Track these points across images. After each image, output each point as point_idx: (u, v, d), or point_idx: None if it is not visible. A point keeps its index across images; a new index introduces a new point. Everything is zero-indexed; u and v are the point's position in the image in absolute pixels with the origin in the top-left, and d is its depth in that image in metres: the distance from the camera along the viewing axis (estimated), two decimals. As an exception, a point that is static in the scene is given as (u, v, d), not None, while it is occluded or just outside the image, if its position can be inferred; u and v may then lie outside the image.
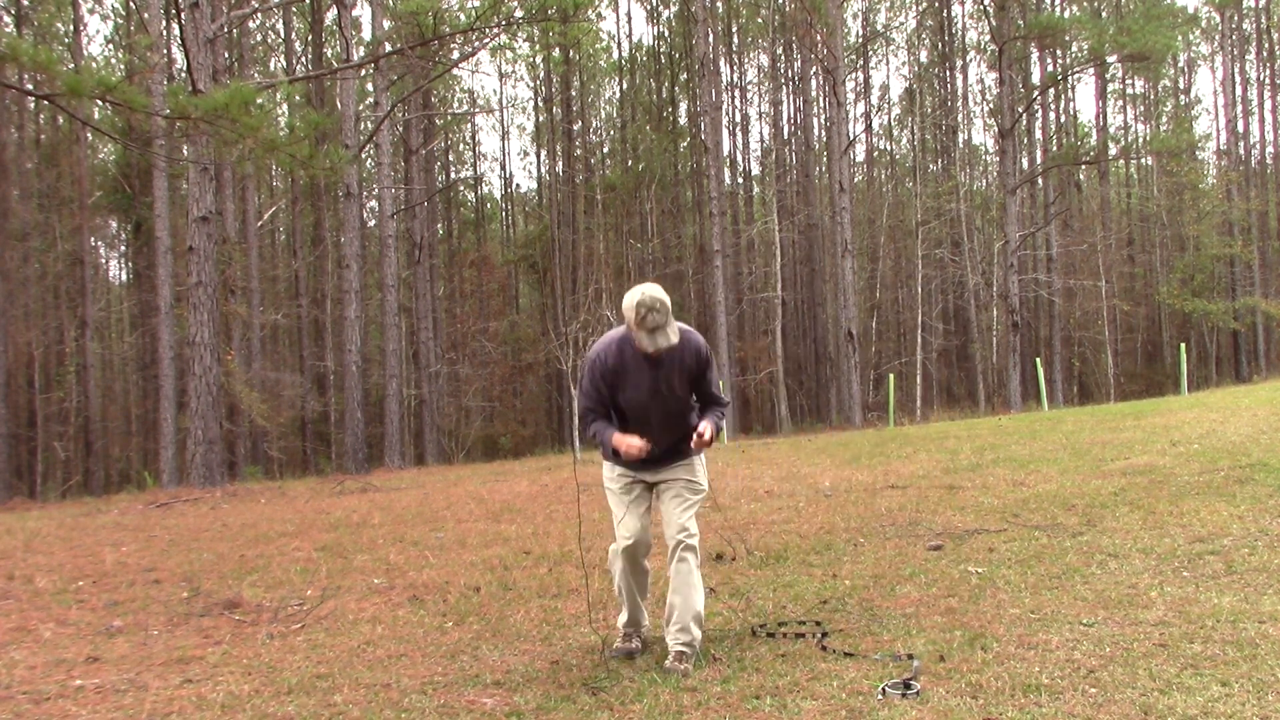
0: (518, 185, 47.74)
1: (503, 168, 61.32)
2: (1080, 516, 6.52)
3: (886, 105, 43.13)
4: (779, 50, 38.73)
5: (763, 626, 4.53)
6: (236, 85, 11.36)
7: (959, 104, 39.51)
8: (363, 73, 24.45)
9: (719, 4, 33.73)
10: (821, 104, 35.52)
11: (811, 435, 20.91)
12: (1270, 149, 42.77)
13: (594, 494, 10.25)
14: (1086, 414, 15.83)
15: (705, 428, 4.15)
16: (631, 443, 4.09)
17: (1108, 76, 38.47)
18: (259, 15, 29.54)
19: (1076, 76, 35.63)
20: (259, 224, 29.11)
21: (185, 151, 15.10)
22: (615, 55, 39.39)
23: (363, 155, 25.78)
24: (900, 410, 25.98)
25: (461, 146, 41.38)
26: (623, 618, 4.42)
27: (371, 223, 29.25)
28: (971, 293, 34.10)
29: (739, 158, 40.07)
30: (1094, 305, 34.59)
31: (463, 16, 21.82)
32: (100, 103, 12.25)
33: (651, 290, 4.00)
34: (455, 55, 23.76)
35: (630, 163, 38.09)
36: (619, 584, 4.43)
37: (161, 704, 3.94)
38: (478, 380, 32.51)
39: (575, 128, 37.79)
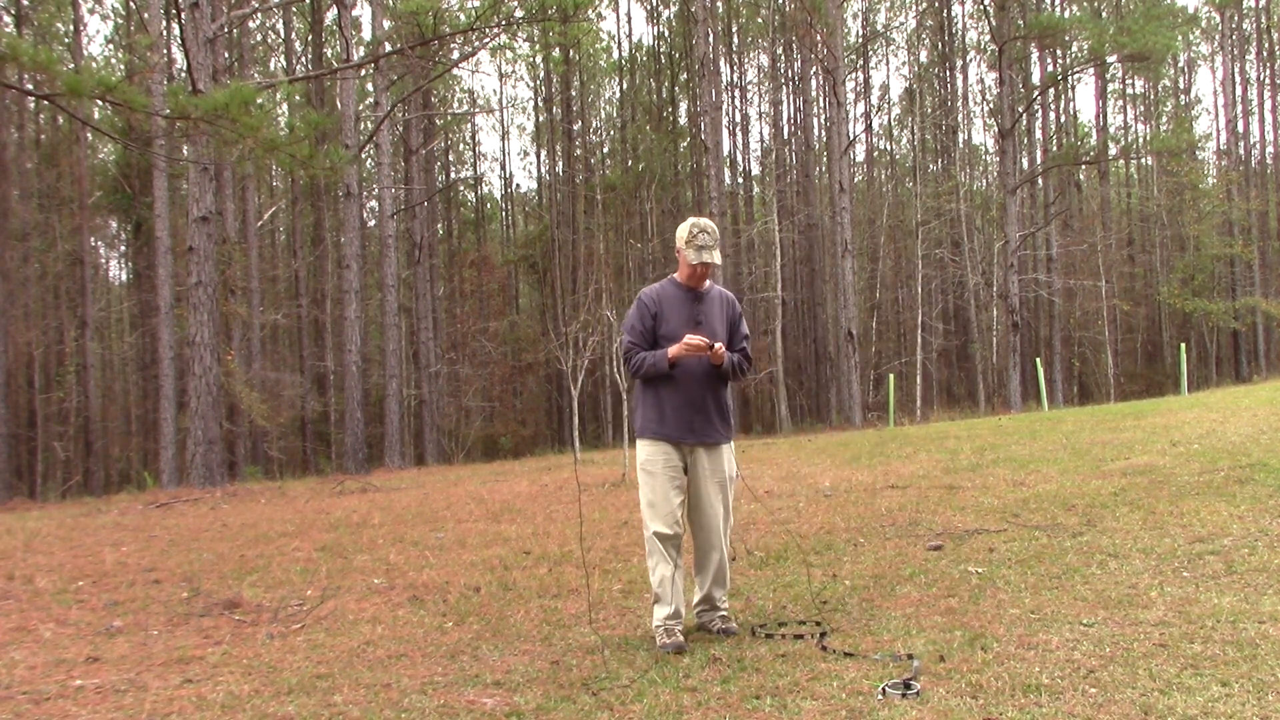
0: (518, 185, 47.80)
1: (503, 168, 61.38)
2: (1080, 516, 6.51)
3: (886, 105, 43.18)
4: (779, 50, 38.73)
5: (762, 627, 4.53)
6: (236, 85, 11.35)
7: (959, 104, 39.52)
8: (363, 73, 24.45)
9: (719, 4, 33.71)
10: (821, 104, 35.52)
11: (811, 435, 20.91)
12: (1270, 149, 42.82)
13: (594, 494, 10.27)
14: (1086, 414, 15.82)
15: (720, 348, 4.43)
16: (691, 338, 4.38)
17: (1108, 76, 38.47)
18: (259, 15, 29.54)
19: (1076, 76, 35.65)
20: (259, 224, 29.11)
21: (185, 151, 15.09)
22: (615, 55, 39.42)
23: (363, 155, 25.77)
24: (900, 410, 25.98)
25: (461, 146, 41.40)
26: (665, 611, 4.40)
27: (371, 223, 29.25)
28: (971, 293, 34.10)
29: (739, 158, 40.11)
30: (1094, 305, 34.59)
31: (463, 16, 21.81)
32: (100, 103, 12.24)
33: (704, 219, 4.58)
34: (455, 55, 23.77)
35: (630, 163, 38.09)
36: (660, 577, 4.43)
37: (161, 704, 3.94)
38: (478, 380, 32.51)
39: (575, 128, 37.78)
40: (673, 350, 4.41)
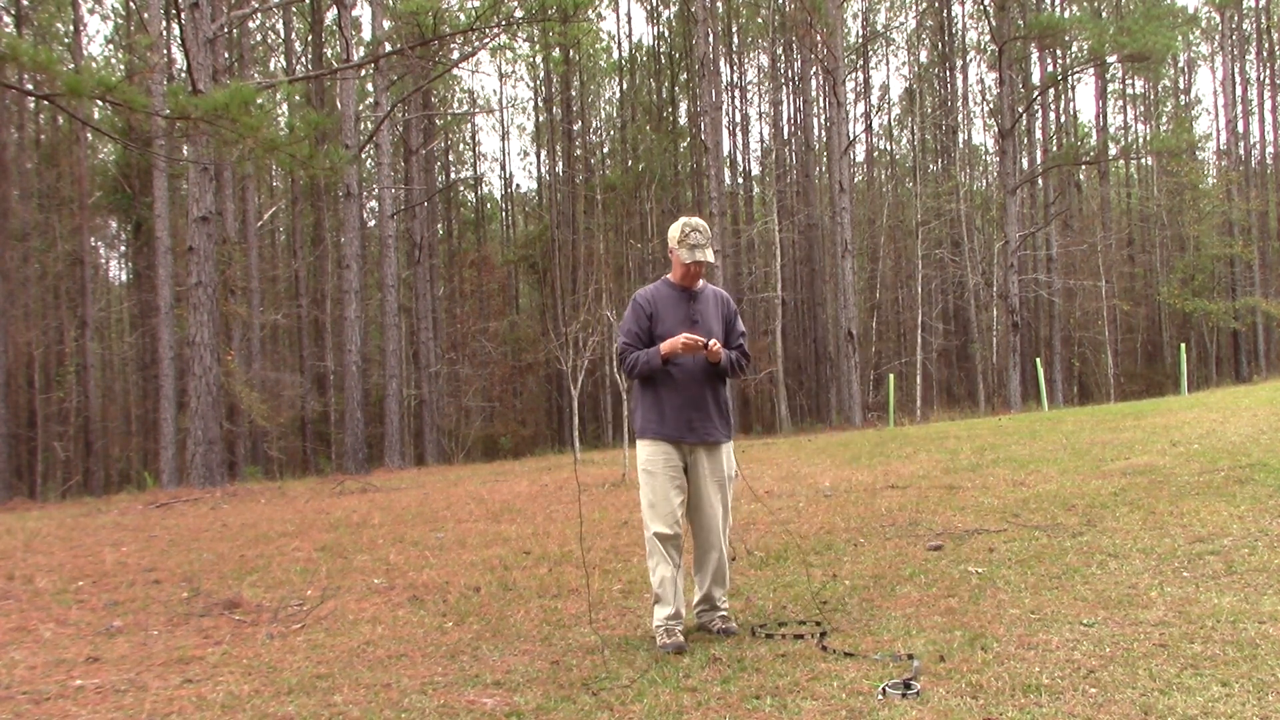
0: (518, 185, 47.80)
1: (503, 168, 61.39)
2: (1080, 516, 6.51)
3: (886, 105, 43.17)
4: (779, 50, 38.72)
5: (762, 627, 4.53)
6: (236, 85, 11.36)
7: (959, 104, 39.51)
8: (363, 73, 24.45)
9: (719, 4, 33.71)
10: (821, 104, 35.52)
11: (811, 435, 20.91)
12: (1270, 149, 42.81)
13: (594, 494, 10.27)
14: (1086, 414, 15.83)
15: (716, 345, 4.44)
16: (686, 335, 4.41)
17: (1108, 76, 38.47)
18: (259, 15, 29.55)
19: (1076, 76, 35.65)
20: (259, 224, 29.11)
21: (185, 151, 15.09)
22: (615, 55, 39.41)
23: (363, 155, 25.77)
24: (900, 410, 25.98)
25: (461, 146, 41.40)
26: (666, 611, 4.40)
27: (371, 223, 29.25)
28: (971, 293, 34.10)
29: (739, 158, 40.10)
30: (1094, 305, 34.59)
31: (463, 16, 21.81)
32: (100, 103, 12.24)
33: (695, 218, 4.61)
34: (455, 55, 23.77)
35: (630, 163, 38.08)
36: (660, 578, 4.43)
37: (161, 704, 3.94)
38: (478, 380, 32.50)
39: (575, 128, 37.79)
40: (665, 346, 4.42)
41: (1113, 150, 34.46)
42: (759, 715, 3.39)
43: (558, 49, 33.79)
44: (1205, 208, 37.94)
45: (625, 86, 39.50)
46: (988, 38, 33.49)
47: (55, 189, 29.04)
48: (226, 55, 24.92)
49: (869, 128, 39.65)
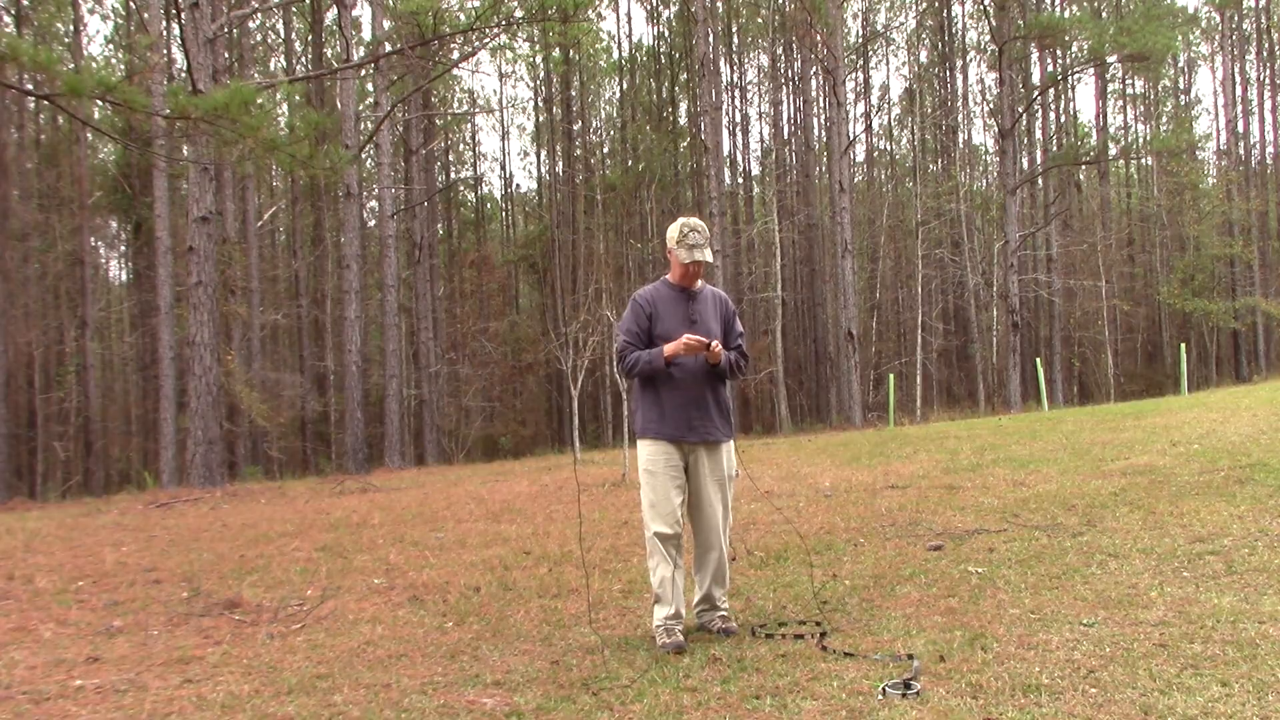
0: (518, 185, 47.74)
1: (503, 168, 61.33)
2: (1080, 516, 6.52)
3: (886, 105, 43.15)
4: (779, 50, 38.73)
5: (762, 626, 4.53)
6: (236, 85, 11.35)
7: (959, 104, 39.51)
8: (363, 73, 24.46)
9: (719, 4, 33.71)
10: (821, 104, 35.50)
11: (811, 435, 20.92)
12: (1270, 149, 42.79)
13: (594, 494, 10.26)
14: (1086, 414, 15.83)
15: (718, 346, 4.45)
16: (689, 337, 4.42)
17: (1108, 76, 38.47)
18: (259, 15, 29.55)
19: (1076, 76, 35.66)
20: (259, 224, 29.10)
21: (185, 151, 15.08)
22: (615, 55, 39.40)
23: (363, 155, 25.77)
24: (900, 410, 25.97)
25: (461, 146, 41.39)
26: (666, 611, 4.41)
27: (371, 223, 29.25)
28: (971, 293, 34.09)
29: (739, 158, 40.11)
30: (1094, 305, 34.59)
31: (463, 16, 21.82)
32: (100, 103, 12.24)
33: (694, 218, 4.63)
34: (455, 55, 23.78)
35: (630, 163, 38.07)
36: (660, 578, 4.43)
37: (161, 704, 3.94)
38: (478, 380, 32.49)
39: (575, 128, 37.78)
40: (669, 348, 4.43)
41: (1113, 150, 34.48)
42: (759, 715, 3.39)
43: (558, 49, 33.78)
44: (1205, 208, 37.94)
45: (625, 86, 39.49)
46: (988, 38, 33.50)
47: (55, 189, 29.03)
48: (226, 55, 24.91)
49: (869, 128, 39.67)
